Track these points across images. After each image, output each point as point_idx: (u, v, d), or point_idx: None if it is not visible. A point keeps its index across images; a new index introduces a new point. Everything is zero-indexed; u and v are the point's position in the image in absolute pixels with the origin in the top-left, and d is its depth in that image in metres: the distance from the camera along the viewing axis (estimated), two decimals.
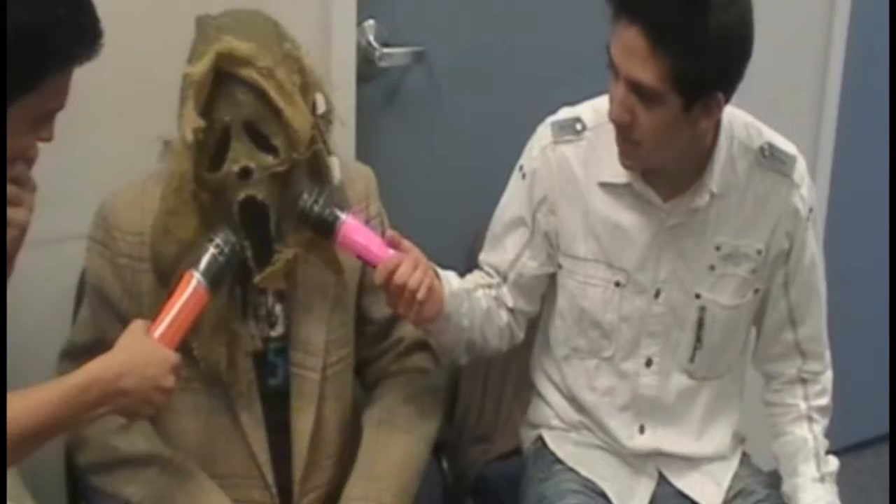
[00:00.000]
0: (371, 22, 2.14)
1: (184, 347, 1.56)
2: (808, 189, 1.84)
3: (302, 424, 1.75)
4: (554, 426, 1.95)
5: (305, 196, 1.65)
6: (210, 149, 1.62)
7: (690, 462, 1.92)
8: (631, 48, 1.59)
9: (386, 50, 2.14)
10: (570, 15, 2.27)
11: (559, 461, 1.92)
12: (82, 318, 1.80)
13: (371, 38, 2.14)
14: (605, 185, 1.80)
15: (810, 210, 1.84)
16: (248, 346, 1.72)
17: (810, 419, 1.90)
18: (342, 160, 1.75)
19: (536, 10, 2.29)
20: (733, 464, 1.95)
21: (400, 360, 1.88)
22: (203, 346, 1.67)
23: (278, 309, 1.75)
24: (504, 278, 1.89)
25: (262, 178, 1.62)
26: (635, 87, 1.61)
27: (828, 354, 1.94)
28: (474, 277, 1.89)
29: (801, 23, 2.66)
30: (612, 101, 1.67)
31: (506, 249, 1.88)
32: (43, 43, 1.31)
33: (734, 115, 1.78)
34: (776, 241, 1.83)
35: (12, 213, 1.39)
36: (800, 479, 1.87)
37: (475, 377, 2.20)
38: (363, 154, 2.11)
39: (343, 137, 1.94)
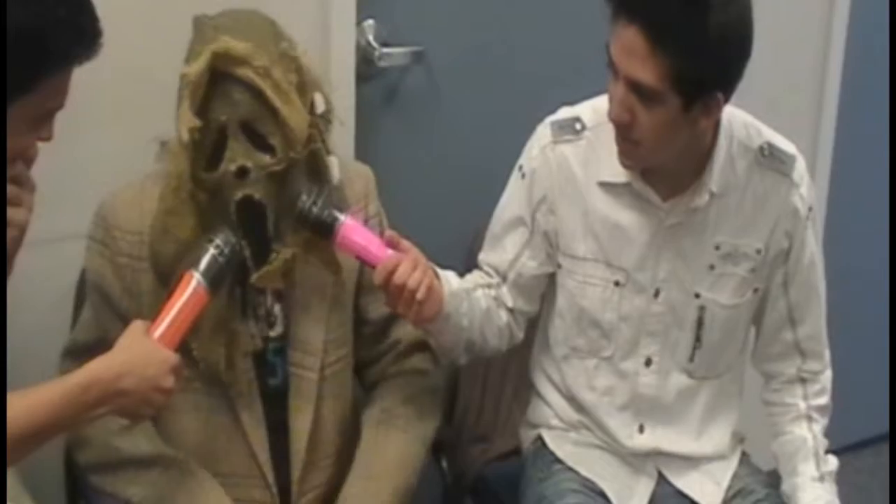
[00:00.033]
0: (370, 22, 2.14)
1: (184, 347, 1.56)
2: (807, 188, 1.84)
3: (300, 424, 1.75)
4: (553, 426, 1.96)
5: (304, 197, 1.65)
6: (207, 148, 1.62)
7: (690, 461, 1.92)
8: (630, 48, 1.59)
9: (385, 50, 2.14)
10: (570, 15, 2.27)
11: (558, 461, 1.92)
12: (84, 317, 1.80)
13: (370, 37, 2.14)
14: (604, 185, 1.80)
15: (810, 209, 1.84)
16: (248, 345, 1.72)
17: (810, 418, 1.90)
18: (341, 160, 1.75)
19: (536, 9, 2.29)
20: (733, 463, 1.95)
21: (398, 361, 1.88)
22: (202, 347, 1.67)
23: (277, 309, 1.75)
24: (503, 278, 1.89)
25: (259, 178, 1.62)
26: (635, 87, 1.61)
27: (827, 354, 1.94)
28: (474, 277, 1.90)
29: (800, 22, 2.66)
30: (611, 100, 1.67)
31: (505, 249, 1.88)
32: (42, 43, 1.31)
33: (734, 115, 1.78)
34: (775, 241, 1.83)
35: (12, 213, 1.39)
36: (799, 478, 1.87)
37: (474, 377, 2.20)
38: (362, 154, 2.11)
39: (342, 137, 1.94)
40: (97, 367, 1.45)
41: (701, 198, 1.77)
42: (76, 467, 1.82)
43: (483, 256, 1.92)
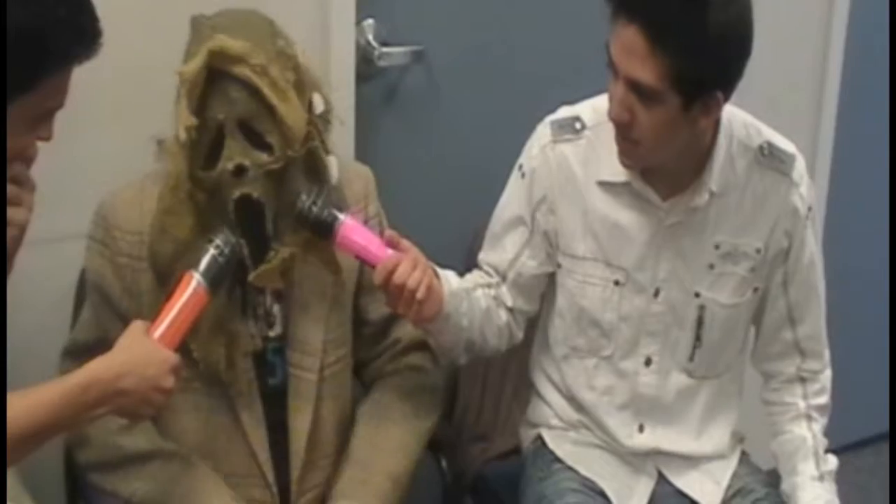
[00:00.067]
0: (370, 21, 2.14)
1: (183, 348, 1.56)
2: (807, 188, 1.84)
3: (299, 424, 1.75)
4: (553, 425, 1.96)
5: (304, 197, 1.65)
6: (204, 147, 1.62)
7: (689, 461, 1.92)
8: (630, 47, 1.59)
9: (385, 49, 2.14)
10: (570, 14, 2.27)
11: (558, 460, 1.92)
12: (84, 317, 1.80)
13: (370, 37, 2.14)
14: (604, 184, 1.80)
15: (809, 209, 1.84)
16: (248, 345, 1.72)
17: (809, 418, 1.90)
18: (340, 160, 1.75)
19: (536, 9, 2.29)
20: (732, 462, 1.95)
21: (396, 359, 1.88)
22: (202, 347, 1.67)
23: (276, 309, 1.75)
24: (503, 278, 1.89)
25: (256, 176, 1.62)
26: (634, 86, 1.61)
27: (827, 353, 1.94)
28: (473, 277, 1.90)
29: (799, 21, 2.66)
30: (611, 100, 1.67)
31: (505, 249, 1.88)
32: (42, 42, 1.31)
33: (733, 114, 1.78)
34: (775, 240, 1.83)
35: (12, 213, 1.39)
36: (799, 477, 1.87)
37: (474, 376, 2.20)
38: (362, 153, 2.11)
39: (342, 137, 1.94)
40: (97, 367, 1.45)
41: (701, 197, 1.77)
42: (76, 467, 1.82)
43: (483, 256, 1.92)
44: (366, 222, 1.75)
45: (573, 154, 1.82)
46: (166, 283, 1.63)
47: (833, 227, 2.63)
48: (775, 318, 1.89)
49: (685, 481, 1.92)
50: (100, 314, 1.75)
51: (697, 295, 1.84)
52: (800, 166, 1.83)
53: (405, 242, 1.68)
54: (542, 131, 1.85)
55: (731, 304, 1.85)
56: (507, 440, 2.14)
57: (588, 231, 1.82)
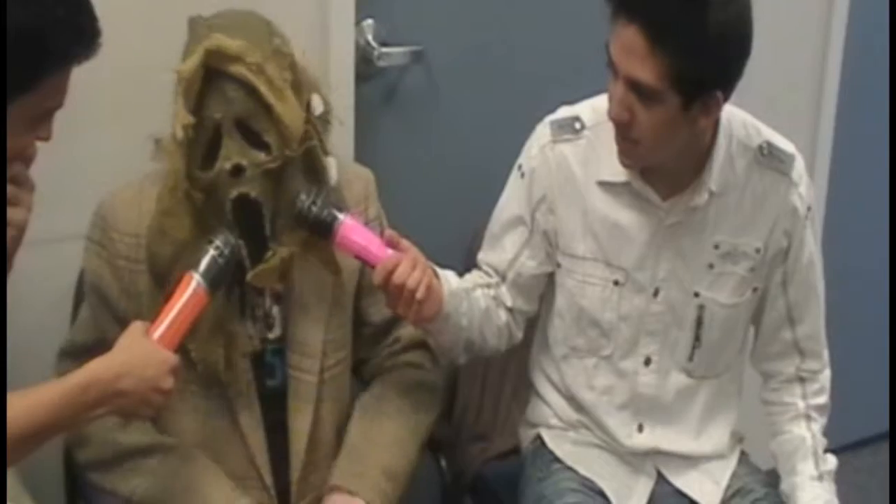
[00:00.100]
0: (369, 21, 2.14)
1: (182, 350, 1.56)
2: (806, 187, 1.84)
3: (299, 426, 1.75)
4: (552, 425, 1.96)
5: (303, 197, 1.65)
6: (202, 147, 1.62)
7: (689, 461, 1.92)
8: (630, 47, 1.59)
9: (384, 49, 2.14)
10: (570, 14, 2.27)
11: (558, 460, 1.92)
12: (82, 317, 1.80)
13: (369, 37, 2.14)
14: (603, 184, 1.80)
15: (808, 208, 1.84)
16: (246, 346, 1.72)
17: (808, 418, 1.90)
18: (340, 161, 1.75)
19: (535, 9, 2.28)
20: (732, 462, 1.95)
21: (396, 356, 1.88)
22: (200, 348, 1.67)
23: (275, 311, 1.75)
24: (503, 278, 1.89)
25: (254, 176, 1.62)
26: (634, 86, 1.61)
27: (826, 353, 1.94)
28: (473, 277, 1.89)
29: (799, 21, 2.66)
30: (611, 99, 1.67)
31: (504, 249, 1.88)
32: (42, 43, 1.31)
33: (733, 114, 1.78)
34: (774, 240, 1.83)
35: (11, 213, 1.39)
36: (798, 477, 1.87)
37: (474, 376, 2.20)
38: (362, 153, 2.11)
39: (342, 137, 1.94)
40: (96, 368, 1.45)
41: (700, 197, 1.77)
42: (76, 466, 1.82)
43: (482, 256, 1.92)
44: (366, 224, 1.75)
45: (573, 154, 1.82)
46: (164, 284, 1.63)
47: (832, 226, 2.63)
48: (774, 317, 1.89)
49: (684, 481, 1.92)
50: (98, 315, 1.74)
51: (697, 295, 1.84)
52: (799, 166, 1.83)
53: (405, 242, 1.68)
54: (542, 131, 1.85)
55: (731, 303, 1.85)
56: (507, 440, 2.14)
57: (588, 231, 1.82)
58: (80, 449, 1.76)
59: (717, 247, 1.81)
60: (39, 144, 1.42)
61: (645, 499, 1.90)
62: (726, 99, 1.66)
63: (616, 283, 1.83)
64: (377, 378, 1.88)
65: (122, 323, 1.57)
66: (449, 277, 1.78)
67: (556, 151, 1.82)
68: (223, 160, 1.61)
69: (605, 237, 1.82)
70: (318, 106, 1.68)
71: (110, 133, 1.89)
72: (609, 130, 1.73)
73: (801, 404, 1.91)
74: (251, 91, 1.59)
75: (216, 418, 1.74)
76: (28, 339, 1.76)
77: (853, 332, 2.62)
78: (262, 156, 1.62)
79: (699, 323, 1.85)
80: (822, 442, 1.90)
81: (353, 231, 1.66)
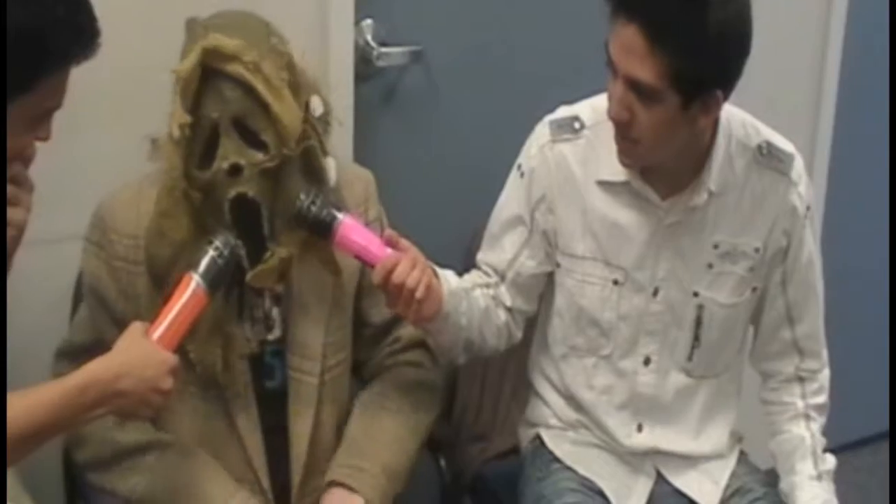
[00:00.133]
0: (369, 21, 2.14)
1: (181, 350, 1.56)
2: (805, 187, 1.84)
3: (300, 428, 1.75)
4: (552, 425, 1.96)
5: (302, 196, 1.65)
6: (200, 147, 1.62)
7: (688, 460, 1.92)
8: (629, 46, 1.59)
9: (384, 49, 2.14)
10: (569, 14, 2.27)
11: (557, 460, 1.92)
12: (80, 318, 1.80)
13: (369, 37, 2.14)
14: (603, 184, 1.80)
15: (808, 208, 1.84)
16: (244, 348, 1.72)
17: (808, 417, 1.90)
18: (340, 163, 1.75)
19: (535, 9, 2.28)
20: (731, 462, 1.95)
21: (396, 355, 1.88)
22: (198, 349, 1.67)
23: (275, 312, 1.74)
24: (502, 277, 1.89)
25: (252, 175, 1.62)
26: (634, 85, 1.61)
27: (825, 352, 1.94)
28: (472, 277, 1.89)
29: (798, 20, 2.66)
30: (610, 99, 1.67)
31: (504, 249, 1.88)
32: (42, 42, 1.31)
33: (732, 114, 1.78)
34: (774, 240, 1.83)
35: (10, 213, 1.39)
36: (797, 477, 1.87)
37: (473, 376, 2.20)
38: (361, 154, 2.11)
39: (341, 137, 1.94)
40: (96, 368, 1.45)
41: (700, 196, 1.77)
42: (75, 467, 1.82)
43: (481, 256, 1.92)
44: (366, 225, 1.74)
45: (572, 153, 1.82)
46: (163, 286, 1.62)
47: (831, 226, 2.63)
48: (774, 317, 1.89)
49: (684, 481, 1.92)
50: (95, 316, 1.74)
51: (696, 294, 1.84)
52: (798, 165, 1.83)
53: (404, 242, 1.68)
54: (541, 131, 1.85)
55: (730, 303, 1.85)
56: (506, 440, 2.14)
57: (587, 230, 1.82)
58: (78, 449, 1.76)
59: (716, 246, 1.81)
60: (38, 144, 1.42)
61: (644, 498, 1.90)
62: (726, 98, 1.66)
63: (615, 282, 1.83)
64: (378, 377, 1.87)
65: (120, 324, 1.57)
66: (448, 277, 1.78)
67: (556, 151, 1.82)
68: (221, 160, 1.61)
69: (604, 237, 1.82)
70: (317, 107, 1.68)
71: (109, 133, 1.89)
72: (608, 130, 1.73)
73: (800, 404, 1.91)
74: (248, 90, 1.59)
75: (214, 420, 1.73)
76: (27, 339, 1.76)
77: (853, 331, 2.62)
78: (259, 155, 1.62)
79: (698, 322, 1.85)
80: (821, 441, 1.90)
81: (353, 231, 1.66)
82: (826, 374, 1.94)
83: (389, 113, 2.23)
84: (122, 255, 1.69)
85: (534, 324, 1.97)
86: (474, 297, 1.83)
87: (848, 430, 2.68)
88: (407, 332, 1.87)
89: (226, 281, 1.64)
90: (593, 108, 1.82)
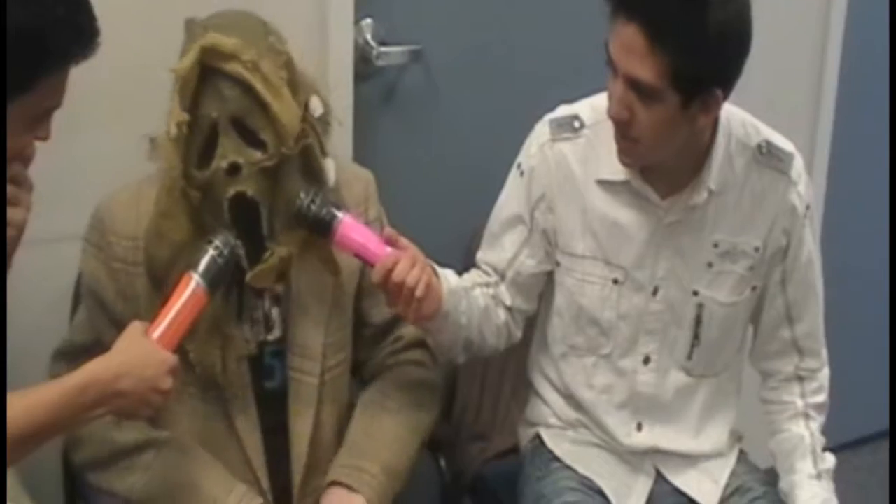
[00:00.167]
0: (368, 20, 2.14)
1: (181, 351, 1.56)
2: (805, 186, 1.84)
3: (300, 428, 1.75)
4: (551, 424, 1.96)
5: (302, 195, 1.65)
6: (198, 146, 1.62)
7: (688, 459, 1.92)
8: (629, 45, 1.59)
9: (383, 49, 2.14)
10: (569, 14, 2.27)
11: (557, 459, 1.92)
12: (78, 319, 1.80)
13: (368, 36, 2.14)
14: (603, 183, 1.80)
15: (807, 207, 1.84)
16: (242, 350, 1.72)
17: (807, 416, 1.90)
18: (340, 163, 1.75)
19: (534, 8, 2.28)
20: (730, 461, 1.95)
21: (397, 354, 1.88)
22: (198, 350, 1.67)
23: (275, 313, 1.74)
24: (502, 277, 1.89)
25: (251, 174, 1.62)
26: (634, 85, 1.61)
27: (825, 352, 1.94)
28: (472, 276, 1.89)
29: (797, 19, 2.66)
30: (610, 98, 1.67)
31: (504, 248, 1.88)
32: (42, 42, 1.31)
33: (732, 113, 1.78)
34: (773, 239, 1.83)
35: (10, 213, 1.39)
36: (797, 476, 1.87)
37: (473, 376, 2.20)
38: (360, 153, 2.11)
39: (341, 137, 1.94)
40: (95, 368, 1.45)
41: (699, 195, 1.77)
42: (73, 467, 1.81)
43: (481, 255, 1.92)
44: (366, 225, 1.74)
45: (572, 153, 1.82)
46: (162, 287, 1.62)
47: (831, 225, 2.63)
48: (773, 316, 1.89)
49: (683, 480, 1.92)
50: (93, 317, 1.74)
51: (696, 293, 1.84)
52: (798, 165, 1.83)
53: (404, 240, 1.68)
54: (541, 130, 1.85)
55: (730, 302, 1.85)
56: (506, 439, 2.14)
57: (587, 229, 1.82)
58: (75, 450, 1.76)
59: (716, 245, 1.82)
60: (38, 144, 1.42)
61: (644, 498, 1.90)
62: (725, 97, 1.66)
63: (615, 281, 1.83)
64: (379, 376, 1.87)
65: (119, 326, 1.57)
66: (448, 276, 1.78)
67: (556, 150, 1.82)
68: (219, 158, 1.61)
69: (604, 236, 1.82)
70: (316, 108, 1.68)
71: (109, 133, 1.89)
72: (608, 129, 1.73)
73: (799, 403, 1.91)
74: (247, 89, 1.59)
75: (213, 421, 1.73)
76: (27, 338, 1.75)
77: (852, 330, 2.62)
78: (258, 154, 1.62)
79: (698, 322, 1.85)
80: (821, 440, 1.90)
81: (353, 229, 1.66)
82: (826, 373, 1.94)
83: (389, 112, 2.23)
84: (120, 257, 1.69)
85: (533, 323, 1.97)
86: (474, 297, 1.83)
87: (847, 429, 2.69)
88: (408, 331, 1.87)
89: (226, 280, 1.64)
90: (593, 108, 1.82)
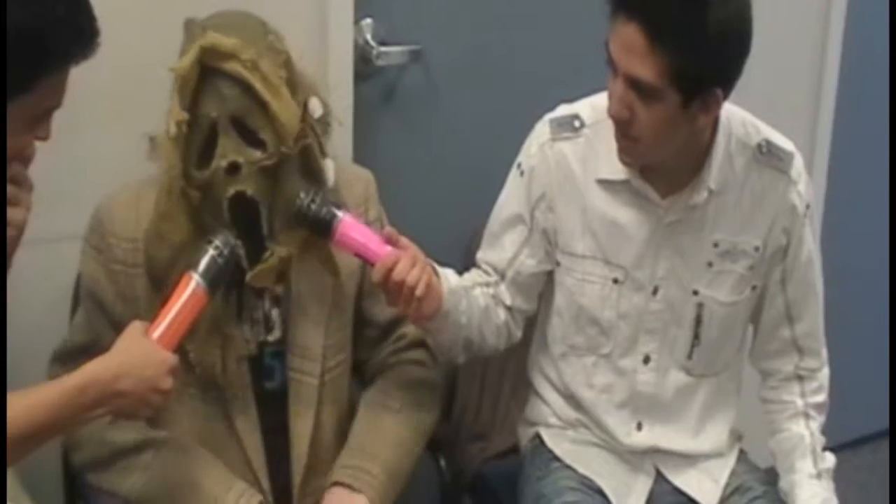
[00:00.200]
0: (368, 20, 2.14)
1: (181, 351, 1.56)
2: (805, 185, 1.84)
3: (301, 429, 1.75)
4: (551, 424, 1.96)
5: (302, 195, 1.65)
6: (198, 146, 1.62)
7: (688, 459, 1.92)
8: (629, 45, 1.59)
9: (383, 48, 2.14)
10: (569, 14, 2.27)
11: (556, 459, 1.92)
12: (77, 320, 1.79)
13: (368, 36, 2.14)
14: (603, 182, 1.80)
15: (807, 206, 1.84)
16: (242, 350, 1.72)
17: (807, 416, 1.90)
18: (339, 163, 1.75)
19: (534, 8, 2.28)
20: (730, 461, 1.95)
21: (399, 353, 1.88)
22: (198, 350, 1.67)
23: (275, 314, 1.74)
24: (502, 276, 1.89)
25: (250, 173, 1.62)
26: (634, 84, 1.61)
27: (824, 351, 1.94)
28: (472, 276, 1.89)
29: (797, 19, 2.66)
30: (610, 97, 1.67)
31: (504, 247, 1.88)
32: (42, 42, 1.31)
33: (732, 112, 1.78)
34: (773, 238, 1.83)
35: (10, 213, 1.39)
36: (796, 475, 1.87)
37: (473, 375, 2.20)
38: (360, 153, 2.11)
39: (340, 137, 1.94)
40: (95, 368, 1.45)
41: (699, 195, 1.77)
42: (73, 469, 1.81)
43: (481, 255, 1.92)
44: (366, 225, 1.74)
45: (572, 152, 1.82)
46: (162, 288, 1.62)
47: (831, 224, 2.63)
48: (773, 315, 1.89)
49: (683, 479, 1.92)
50: (92, 319, 1.74)
51: (696, 293, 1.84)
52: (798, 164, 1.83)
53: (404, 240, 1.68)
54: (541, 129, 1.85)
55: (730, 302, 1.85)
56: (506, 439, 2.14)
57: (587, 229, 1.82)
58: (74, 452, 1.76)
59: (716, 245, 1.82)
60: (38, 144, 1.42)
61: (644, 497, 1.90)
62: (726, 97, 1.66)
63: (615, 281, 1.83)
64: (381, 375, 1.87)
65: (118, 327, 1.56)
66: (448, 275, 1.78)
67: (556, 150, 1.82)
68: (219, 158, 1.61)
69: (604, 235, 1.82)
70: (316, 109, 1.68)
71: (109, 133, 1.89)
72: (608, 128, 1.73)
73: (799, 402, 1.91)
74: (246, 88, 1.59)
75: (213, 421, 1.73)
76: (26, 338, 1.75)
77: (852, 329, 2.62)
78: (258, 153, 1.62)
79: (698, 321, 1.85)
80: (821, 440, 1.90)
81: (353, 228, 1.66)
82: (825, 372, 1.94)
83: (389, 112, 2.23)
84: (120, 259, 1.69)
85: (533, 323, 1.97)
86: (474, 296, 1.83)
87: (847, 429, 2.69)
88: (411, 329, 1.87)
89: (225, 280, 1.63)
90: (593, 107, 1.82)
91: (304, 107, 1.66)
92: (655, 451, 1.91)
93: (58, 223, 1.75)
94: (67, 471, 1.89)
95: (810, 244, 1.87)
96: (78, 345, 1.75)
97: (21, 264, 1.44)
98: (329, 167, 1.70)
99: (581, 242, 1.83)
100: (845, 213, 2.80)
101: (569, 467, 1.90)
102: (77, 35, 1.35)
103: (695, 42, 1.56)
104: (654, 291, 1.83)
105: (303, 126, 1.64)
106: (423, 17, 2.20)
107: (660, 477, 1.92)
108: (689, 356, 1.87)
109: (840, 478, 1.90)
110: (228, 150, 1.61)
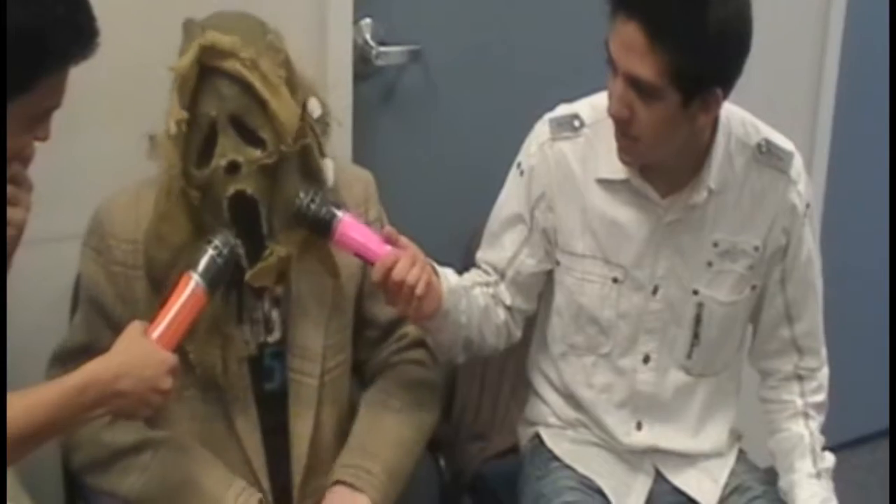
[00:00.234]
0: (367, 20, 2.14)
1: (181, 352, 1.56)
2: (804, 185, 1.84)
3: (301, 429, 1.75)
4: (551, 424, 1.96)
5: (302, 195, 1.65)
6: (198, 145, 1.62)
7: (687, 459, 1.92)
8: (629, 44, 1.59)
9: (382, 48, 2.14)
10: (568, 14, 2.27)
11: (556, 458, 1.92)
12: (76, 321, 1.79)
13: (367, 36, 2.14)
14: (602, 182, 1.80)
15: (807, 206, 1.84)
16: (242, 351, 1.72)
17: (806, 416, 1.90)
18: (339, 164, 1.75)
19: (534, 9, 2.28)
20: (730, 460, 1.95)
21: (400, 353, 1.88)
22: (198, 351, 1.67)
23: (275, 314, 1.75)
24: (502, 276, 1.89)
25: (250, 172, 1.62)
26: (634, 83, 1.61)
27: (824, 351, 1.94)
28: (472, 275, 1.89)
29: (797, 18, 2.66)
30: (610, 96, 1.67)
31: (504, 247, 1.88)
32: (42, 42, 1.31)
33: (731, 112, 1.79)
34: (773, 238, 1.83)
35: (10, 213, 1.39)
36: (796, 475, 1.87)
37: (472, 375, 2.20)
38: (360, 153, 2.11)
39: (340, 137, 1.94)
40: (95, 368, 1.45)
41: (699, 195, 1.77)
42: (73, 470, 1.81)
43: (481, 254, 1.92)
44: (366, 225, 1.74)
45: (572, 152, 1.82)
46: (162, 289, 1.62)
47: (831, 224, 2.63)
48: (773, 315, 1.89)
49: (683, 479, 1.92)
50: (91, 320, 1.74)
51: (696, 292, 1.84)
52: (797, 164, 1.83)
53: (404, 239, 1.68)
54: (541, 129, 1.85)
55: (730, 301, 1.85)
56: (505, 439, 2.14)
57: (587, 228, 1.82)
58: (73, 453, 1.75)
59: (715, 245, 1.82)
60: (38, 144, 1.42)
61: (643, 497, 1.90)
62: (725, 96, 1.66)
63: (615, 280, 1.83)
64: (381, 375, 1.87)
65: (117, 329, 1.56)
66: (448, 275, 1.78)
67: (556, 149, 1.82)
68: (219, 157, 1.61)
69: (604, 235, 1.82)
70: (315, 109, 1.68)
71: (109, 133, 1.89)
72: (608, 128, 1.73)
73: (799, 402, 1.91)
74: (246, 87, 1.59)
75: (213, 422, 1.73)
76: (26, 338, 1.75)
77: (852, 329, 2.62)
78: (257, 152, 1.62)
79: (698, 321, 1.85)
80: (820, 440, 1.90)
81: (352, 228, 1.66)
82: (825, 372, 1.94)
83: (388, 112, 2.23)
84: (120, 260, 1.69)
85: (533, 323, 1.97)
86: (474, 296, 1.83)
87: (847, 429, 2.69)
88: (412, 329, 1.87)
89: (225, 280, 1.63)
90: (593, 107, 1.82)
91: (304, 106, 1.66)
92: (655, 451, 1.91)
93: (58, 223, 1.75)
94: (67, 471, 1.88)
95: (810, 244, 1.87)
96: (77, 345, 1.75)
97: (21, 264, 1.44)
98: (328, 167, 1.70)
99: (581, 242, 1.83)
100: (845, 212, 2.80)
101: (568, 467, 1.90)
102: (77, 35, 1.35)
103: (695, 41, 1.56)
104: (654, 291, 1.83)
105: (302, 125, 1.65)
106: (423, 17, 2.20)
107: (659, 476, 1.92)
108: (689, 356, 1.88)
109: (839, 477, 1.90)
110: (228, 149, 1.61)
